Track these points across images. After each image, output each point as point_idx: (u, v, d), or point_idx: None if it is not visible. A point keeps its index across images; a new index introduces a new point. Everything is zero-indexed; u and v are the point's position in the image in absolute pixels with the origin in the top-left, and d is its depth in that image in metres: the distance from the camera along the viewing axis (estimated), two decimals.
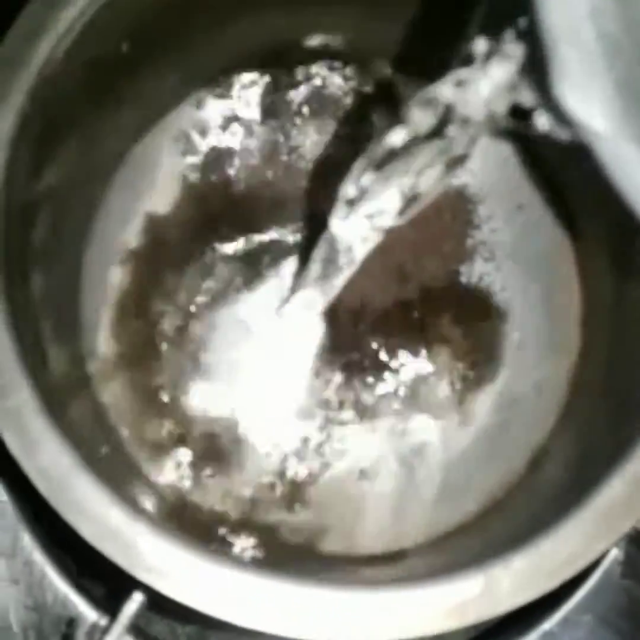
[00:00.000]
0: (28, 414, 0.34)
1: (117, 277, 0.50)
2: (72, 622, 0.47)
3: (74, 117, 0.42)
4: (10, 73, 0.37)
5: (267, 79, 0.52)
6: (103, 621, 0.46)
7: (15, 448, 0.34)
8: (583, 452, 0.42)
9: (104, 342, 0.49)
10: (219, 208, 0.51)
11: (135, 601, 0.44)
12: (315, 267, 0.43)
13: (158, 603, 0.40)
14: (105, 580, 0.50)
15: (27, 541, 0.48)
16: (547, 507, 0.38)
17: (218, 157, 0.52)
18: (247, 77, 0.52)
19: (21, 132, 0.36)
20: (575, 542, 0.35)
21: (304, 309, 0.48)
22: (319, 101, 0.53)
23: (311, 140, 0.53)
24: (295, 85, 0.53)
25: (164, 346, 0.49)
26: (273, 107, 0.52)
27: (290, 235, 0.51)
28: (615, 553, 0.48)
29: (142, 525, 0.33)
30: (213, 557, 0.34)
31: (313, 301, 0.47)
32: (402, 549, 0.46)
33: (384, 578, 0.36)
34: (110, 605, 0.46)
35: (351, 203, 0.37)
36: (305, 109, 0.52)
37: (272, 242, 0.51)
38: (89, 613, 0.47)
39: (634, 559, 0.48)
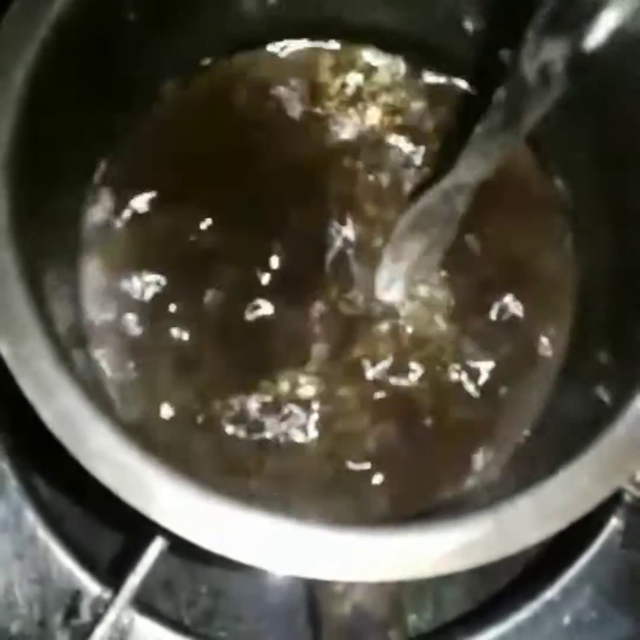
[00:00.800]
0: (43, 361, 0.34)
1: None
2: (76, 596, 0.47)
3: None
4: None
5: None
6: (106, 594, 0.47)
7: (31, 394, 0.34)
8: (586, 399, 0.43)
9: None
10: None
11: (138, 574, 0.44)
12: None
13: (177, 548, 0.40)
14: (108, 553, 0.50)
15: (31, 517, 0.48)
16: (555, 456, 0.38)
17: None
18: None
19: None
20: (582, 483, 0.35)
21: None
22: None
23: None
24: None
25: None
26: None
27: None
28: (615, 523, 0.49)
29: (159, 470, 0.34)
30: (228, 500, 0.34)
31: None
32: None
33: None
34: (113, 578, 0.46)
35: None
36: None
37: None
38: (92, 586, 0.47)
39: (635, 529, 0.49)
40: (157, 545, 0.42)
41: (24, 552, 0.47)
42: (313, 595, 0.48)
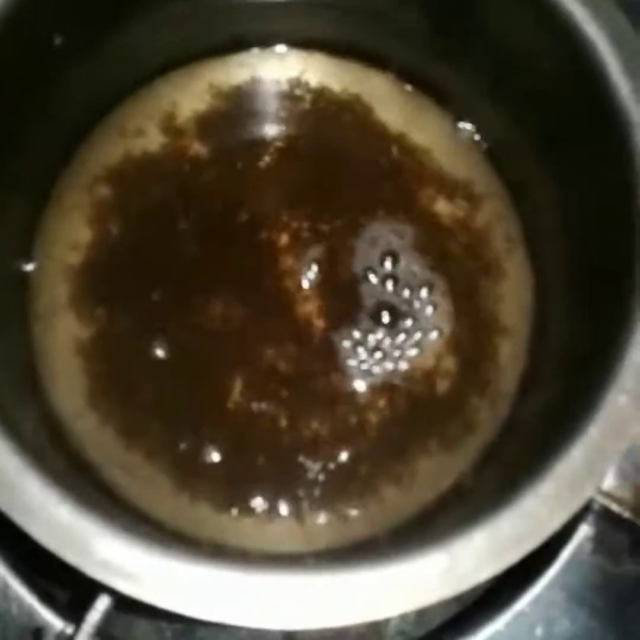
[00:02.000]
0: None
1: None
2: (38, 632, 0.46)
3: None
4: None
5: None
6: (69, 629, 0.45)
7: None
8: (548, 424, 0.42)
9: None
10: None
11: (98, 609, 0.43)
12: None
13: (127, 603, 0.40)
14: (70, 587, 0.49)
15: None
16: (508, 483, 0.37)
17: None
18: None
19: None
20: (537, 513, 0.34)
21: None
22: None
23: None
24: None
25: None
26: None
27: None
28: (585, 529, 0.48)
29: (96, 522, 0.32)
30: (170, 552, 0.33)
31: None
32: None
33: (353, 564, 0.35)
34: (75, 613, 0.45)
35: None
36: None
37: None
38: (54, 622, 0.46)
39: (604, 535, 0.48)
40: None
41: None
42: None
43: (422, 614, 0.51)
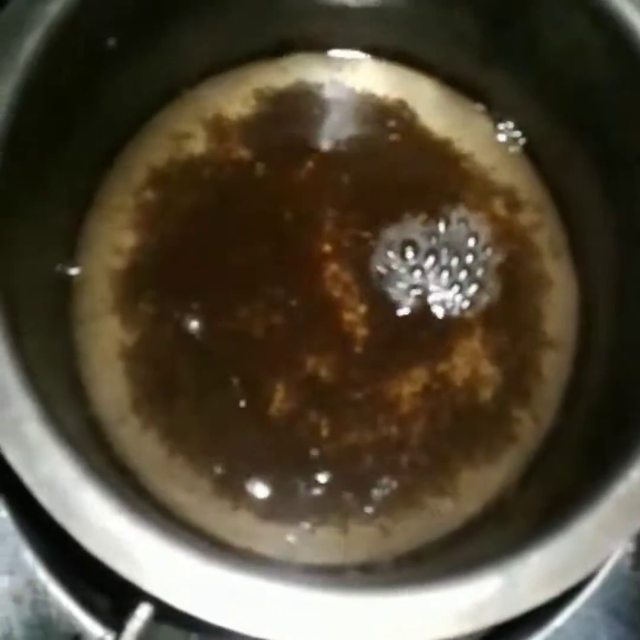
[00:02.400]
0: (28, 424, 0.33)
1: None
2: (77, 639, 0.46)
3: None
4: None
5: None
6: (109, 637, 0.45)
7: (15, 460, 0.32)
8: (596, 440, 0.41)
9: None
10: None
11: (139, 618, 0.43)
12: None
13: (166, 613, 0.40)
14: (110, 594, 0.49)
15: (29, 558, 0.47)
16: (558, 499, 0.37)
17: None
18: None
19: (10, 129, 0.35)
20: (595, 537, 0.34)
21: None
22: None
23: None
24: None
25: None
26: None
27: None
28: (625, 545, 0.47)
29: (148, 535, 0.32)
30: (220, 564, 0.33)
31: None
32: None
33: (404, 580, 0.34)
34: (116, 620, 0.45)
35: None
36: None
37: None
38: (94, 629, 0.46)
39: None
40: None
41: (23, 595, 0.46)
42: None
43: None
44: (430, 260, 0.51)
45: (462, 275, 0.51)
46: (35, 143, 0.39)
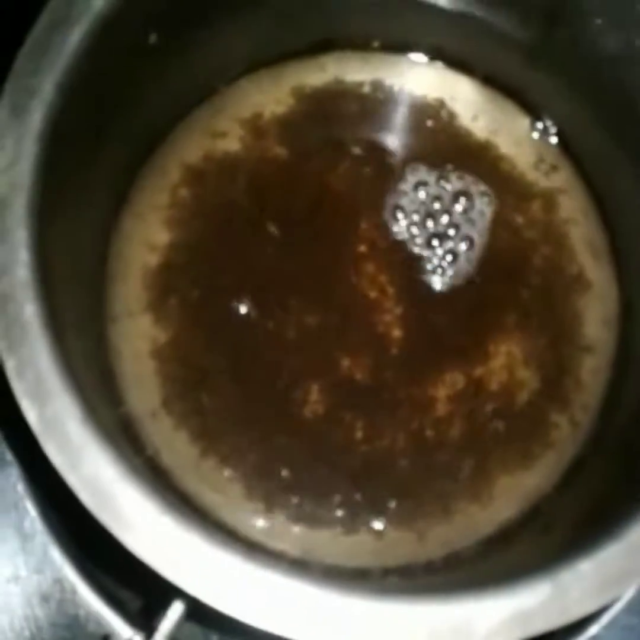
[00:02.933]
0: (70, 422, 0.32)
1: None
2: (106, 639, 0.45)
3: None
4: (40, 63, 0.35)
5: None
6: (138, 637, 0.45)
7: (56, 458, 0.32)
8: (637, 444, 0.41)
9: None
10: None
11: (170, 618, 0.42)
12: None
13: (197, 614, 0.39)
14: (140, 595, 0.48)
15: (57, 557, 0.46)
16: (606, 505, 0.36)
17: None
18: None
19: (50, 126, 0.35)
20: None
21: None
22: None
23: None
24: None
25: None
26: None
27: None
28: None
29: (189, 535, 0.32)
30: (262, 566, 0.32)
31: None
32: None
33: (445, 585, 0.34)
34: (144, 620, 0.45)
35: None
36: None
37: None
38: (123, 629, 0.45)
39: None
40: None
41: (51, 595, 0.46)
42: None
43: None
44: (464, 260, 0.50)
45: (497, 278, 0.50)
46: (74, 140, 0.39)
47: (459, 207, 0.51)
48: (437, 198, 0.51)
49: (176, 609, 0.42)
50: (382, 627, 0.32)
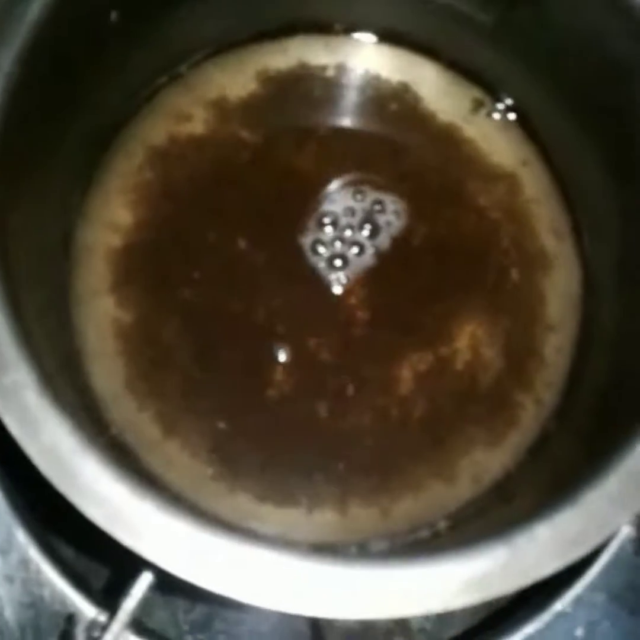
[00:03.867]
0: (28, 392, 0.32)
1: None
2: (70, 619, 0.45)
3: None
4: None
5: None
6: (102, 617, 0.45)
7: (15, 428, 0.32)
8: (600, 419, 0.41)
9: None
10: None
11: (134, 596, 0.43)
12: None
13: (161, 589, 0.39)
14: (104, 575, 0.48)
15: (22, 537, 0.46)
16: (562, 478, 0.37)
17: None
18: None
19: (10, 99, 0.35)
20: (601, 510, 0.34)
21: None
22: None
23: None
24: None
25: None
26: None
27: None
28: (627, 531, 0.47)
29: (146, 503, 0.32)
30: (218, 533, 0.32)
31: None
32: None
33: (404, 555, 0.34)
34: (109, 600, 0.45)
35: None
36: None
37: None
38: (87, 609, 0.45)
39: None
40: (149, 576, 0.40)
41: (15, 575, 0.46)
42: None
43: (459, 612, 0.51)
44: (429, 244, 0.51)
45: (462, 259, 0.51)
46: (36, 115, 0.39)
47: None
48: None
49: (139, 588, 0.42)
50: (351, 590, 0.32)
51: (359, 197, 0.51)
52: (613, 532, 0.33)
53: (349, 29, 0.53)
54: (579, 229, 0.51)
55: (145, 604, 0.41)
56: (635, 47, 0.41)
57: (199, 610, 0.50)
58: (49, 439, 0.32)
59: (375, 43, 0.53)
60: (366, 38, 0.53)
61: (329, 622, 0.46)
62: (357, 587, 0.32)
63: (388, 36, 0.53)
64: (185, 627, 0.50)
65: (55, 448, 0.32)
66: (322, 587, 0.32)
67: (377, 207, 0.51)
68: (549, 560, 0.33)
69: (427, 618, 0.50)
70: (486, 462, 0.48)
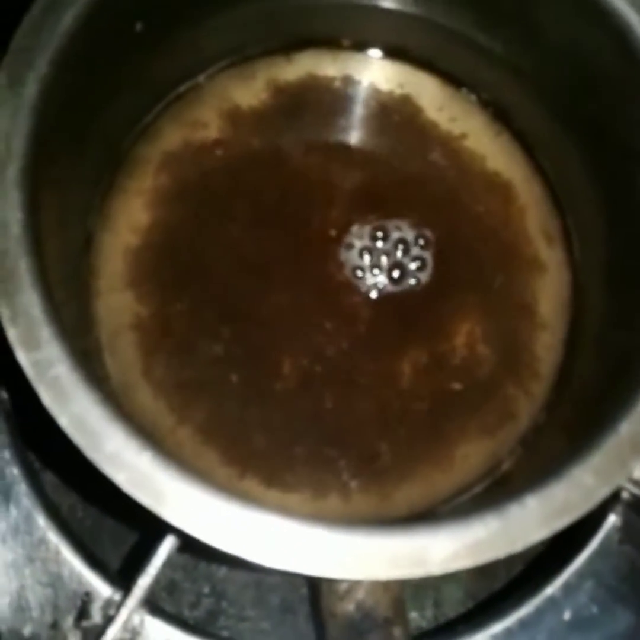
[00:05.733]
0: (60, 366, 0.35)
1: None
2: (87, 597, 0.47)
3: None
4: (35, 41, 0.38)
5: None
6: (117, 596, 0.47)
7: (47, 399, 0.35)
8: (587, 409, 0.44)
9: None
10: None
11: (149, 574, 0.45)
12: None
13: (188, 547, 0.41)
14: (119, 556, 0.51)
15: (41, 521, 0.48)
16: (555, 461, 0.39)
17: None
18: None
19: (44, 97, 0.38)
20: (586, 482, 0.36)
21: None
22: None
23: None
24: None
25: None
26: None
27: None
28: (613, 520, 0.50)
29: (172, 470, 0.35)
30: (238, 500, 0.35)
31: None
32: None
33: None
34: (123, 581, 0.47)
35: None
36: None
37: None
38: (103, 588, 0.47)
39: (632, 525, 0.50)
40: (166, 547, 0.43)
41: (35, 556, 0.48)
42: (316, 594, 0.49)
43: (447, 590, 0.53)
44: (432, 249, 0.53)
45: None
46: (65, 115, 0.42)
47: None
48: None
49: (154, 566, 0.44)
50: (348, 554, 0.35)
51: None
52: (596, 503, 0.36)
53: (355, 45, 0.56)
54: (569, 235, 0.53)
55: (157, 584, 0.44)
56: (613, 59, 0.44)
57: (204, 607, 0.53)
58: (78, 409, 0.35)
59: (380, 58, 0.56)
60: (372, 53, 0.56)
61: (331, 614, 0.48)
62: (357, 550, 0.35)
63: (392, 52, 0.55)
64: (191, 623, 0.52)
65: (83, 418, 0.35)
66: (325, 550, 0.35)
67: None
68: (536, 528, 0.35)
69: (423, 607, 0.53)
70: (482, 452, 0.50)
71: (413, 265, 0.53)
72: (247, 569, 0.52)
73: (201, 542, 0.35)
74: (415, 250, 0.53)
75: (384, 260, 0.53)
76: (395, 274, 0.53)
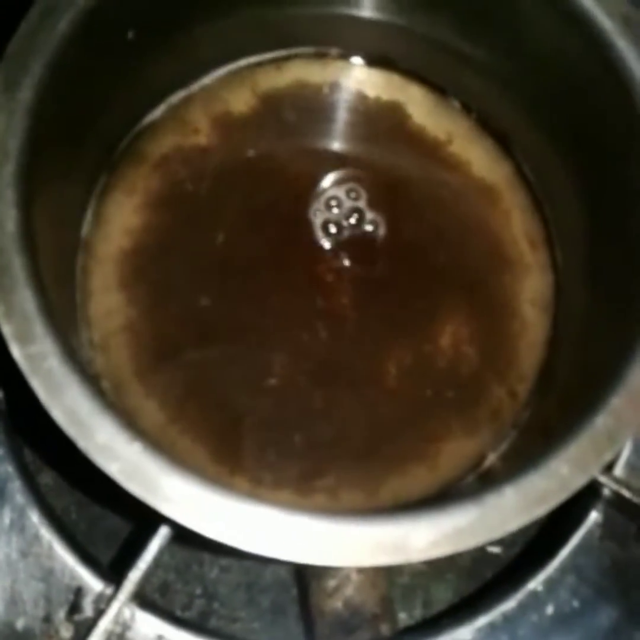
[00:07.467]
0: (52, 359, 0.36)
1: None
2: (79, 592, 0.48)
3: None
4: (31, 45, 0.40)
5: None
6: (108, 590, 0.48)
7: (40, 391, 0.36)
8: (567, 406, 0.45)
9: None
10: None
11: (139, 568, 0.46)
12: None
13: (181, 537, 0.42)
14: (111, 552, 0.52)
15: (35, 517, 0.49)
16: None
17: None
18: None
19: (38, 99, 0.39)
20: (562, 472, 0.37)
21: None
22: None
23: None
24: None
25: None
26: None
27: None
28: (594, 516, 0.51)
29: (162, 461, 0.36)
30: (229, 491, 0.36)
31: None
32: None
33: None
34: (114, 576, 0.48)
35: None
36: None
37: None
38: (94, 583, 0.48)
39: (613, 521, 0.51)
40: (156, 542, 0.44)
41: (29, 551, 0.48)
42: (305, 592, 0.50)
43: (435, 591, 0.54)
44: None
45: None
46: (61, 118, 0.43)
47: None
48: None
49: (144, 561, 0.45)
50: (332, 542, 0.36)
51: (352, 194, 0.55)
52: (572, 492, 0.37)
53: (343, 54, 0.57)
54: (551, 240, 0.55)
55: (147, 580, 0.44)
56: (593, 66, 0.45)
57: (196, 608, 0.54)
58: (70, 402, 0.36)
59: (366, 66, 0.57)
60: (359, 61, 0.57)
61: (319, 612, 0.49)
62: (340, 537, 0.36)
63: (377, 60, 0.57)
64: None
65: (76, 410, 0.36)
66: (312, 538, 0.36)
67: (370, 216, 0.55)
68: (514, 517, 0.36)
69: (412, 607, 0.54)
70: (466, 450, 0.52)
71: (401, 268, 0.54)
72: (238, 572, 0.53)
73: (191, 532, 0.36)
74: (404, 252, 0.54)
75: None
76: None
